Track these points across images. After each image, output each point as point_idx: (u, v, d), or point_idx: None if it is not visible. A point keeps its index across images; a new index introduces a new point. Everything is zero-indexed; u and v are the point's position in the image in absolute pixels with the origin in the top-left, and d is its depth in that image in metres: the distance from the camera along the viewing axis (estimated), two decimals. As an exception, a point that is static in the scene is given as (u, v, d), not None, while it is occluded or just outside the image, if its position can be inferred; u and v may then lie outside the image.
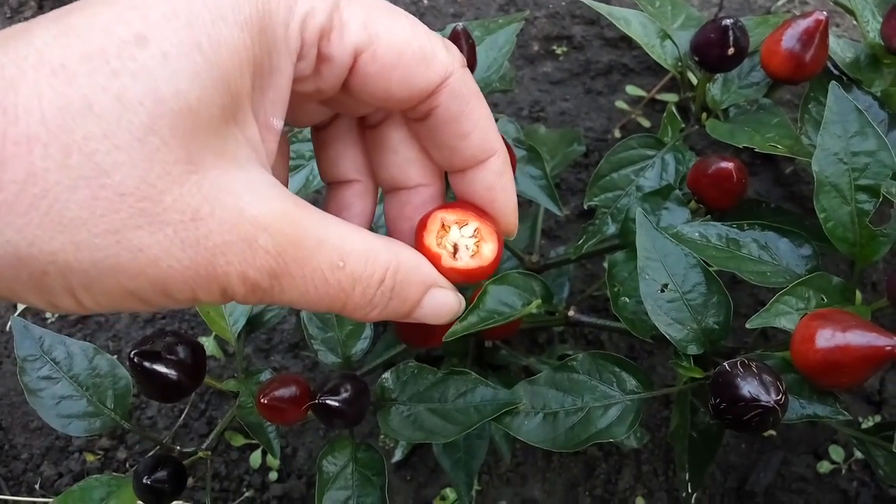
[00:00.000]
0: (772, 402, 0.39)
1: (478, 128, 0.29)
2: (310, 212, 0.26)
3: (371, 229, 0.30)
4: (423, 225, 0.30)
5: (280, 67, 0.25)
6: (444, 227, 0.30)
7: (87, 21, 0.22)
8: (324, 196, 0.34)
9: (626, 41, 0.99)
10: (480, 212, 0.31)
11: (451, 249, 0.30)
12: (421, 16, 1.01)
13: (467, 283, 0.32)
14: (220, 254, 0.23)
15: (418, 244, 0.30)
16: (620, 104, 0.96)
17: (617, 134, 0.94)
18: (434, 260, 0.30)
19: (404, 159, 0.32)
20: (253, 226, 0.24)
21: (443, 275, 0.30)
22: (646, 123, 0.94)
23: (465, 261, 0.30)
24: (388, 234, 0.33)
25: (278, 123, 0.27)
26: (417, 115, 0.29)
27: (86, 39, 0.22)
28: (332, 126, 0.32)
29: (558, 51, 0.99)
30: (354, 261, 0.26)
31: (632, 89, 0.95)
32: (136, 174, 0.22)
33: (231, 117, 0.24)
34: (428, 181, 0.32)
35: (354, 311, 0.27)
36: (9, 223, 0.21)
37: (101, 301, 0.23)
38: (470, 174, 0.30)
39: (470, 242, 0.30)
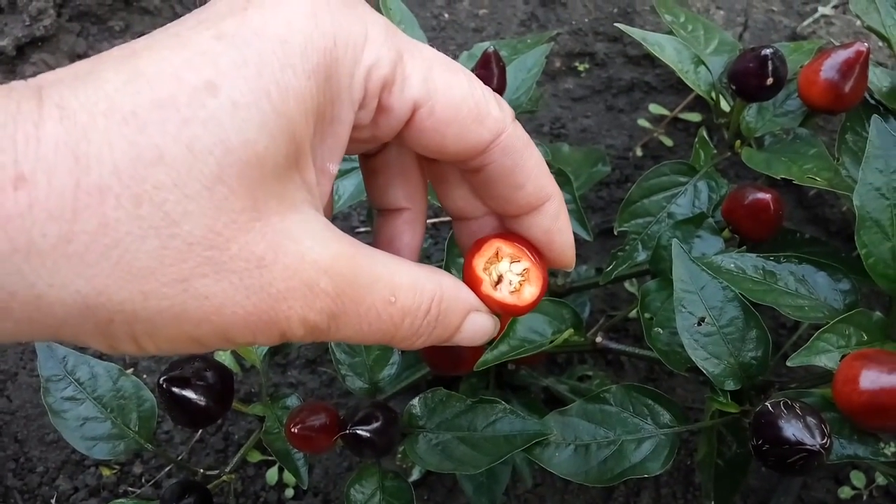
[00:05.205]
0: (817, 446, 0.39)
1: (531, 177, 0.29)
2: (362, 250, 0.26)
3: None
4: (477, 246, 0.30)
5: (341, 116, 0.26)
6: (496, 256, 0.30)
7: (157, 66, 0.22)
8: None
9: (648, 59, 0.98)
10: (536, 253, 0.31)
11: (495, 279, 0.30)
12: (442, 29, 1.01)
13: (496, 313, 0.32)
14: (283, 299, 0.24)
15: (465, 263, 0.31)
16: (642, 122, 0.95)
17: (639, 152, 0.94)
18: (474, 283, 0.30)
19: (468, 192, 0.32)
20: (315, 270, 0.24)
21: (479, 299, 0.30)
22: (668, 142, 0.93)
23: (503, 294, 0.30)
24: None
25: (334, 168, 0.27)
26: (470, 168, 0.29)
27: (156, 86, 0.22)
28: (381, 154, 0.32)
29: (580, 67, 0.98)
30: (404, 295, 0.27)
31: (654, 108, 0.94)
32: (204, 223, 0.22)
33: (294, 163, 0.24)
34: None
35: (402, 341, 0.28)
36: (79, 273, 0.21)
37: (163, 346, 0.24)
38: (526, 219, 0.30)
39: (515, 279, 0.30)
